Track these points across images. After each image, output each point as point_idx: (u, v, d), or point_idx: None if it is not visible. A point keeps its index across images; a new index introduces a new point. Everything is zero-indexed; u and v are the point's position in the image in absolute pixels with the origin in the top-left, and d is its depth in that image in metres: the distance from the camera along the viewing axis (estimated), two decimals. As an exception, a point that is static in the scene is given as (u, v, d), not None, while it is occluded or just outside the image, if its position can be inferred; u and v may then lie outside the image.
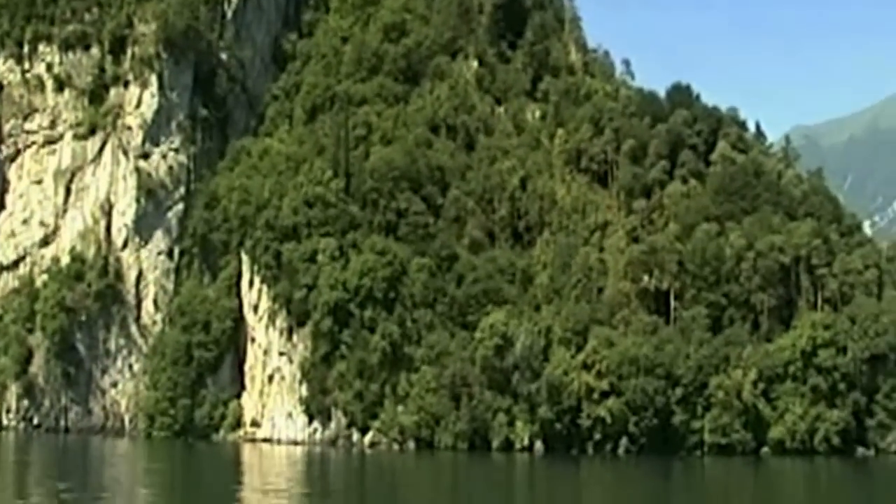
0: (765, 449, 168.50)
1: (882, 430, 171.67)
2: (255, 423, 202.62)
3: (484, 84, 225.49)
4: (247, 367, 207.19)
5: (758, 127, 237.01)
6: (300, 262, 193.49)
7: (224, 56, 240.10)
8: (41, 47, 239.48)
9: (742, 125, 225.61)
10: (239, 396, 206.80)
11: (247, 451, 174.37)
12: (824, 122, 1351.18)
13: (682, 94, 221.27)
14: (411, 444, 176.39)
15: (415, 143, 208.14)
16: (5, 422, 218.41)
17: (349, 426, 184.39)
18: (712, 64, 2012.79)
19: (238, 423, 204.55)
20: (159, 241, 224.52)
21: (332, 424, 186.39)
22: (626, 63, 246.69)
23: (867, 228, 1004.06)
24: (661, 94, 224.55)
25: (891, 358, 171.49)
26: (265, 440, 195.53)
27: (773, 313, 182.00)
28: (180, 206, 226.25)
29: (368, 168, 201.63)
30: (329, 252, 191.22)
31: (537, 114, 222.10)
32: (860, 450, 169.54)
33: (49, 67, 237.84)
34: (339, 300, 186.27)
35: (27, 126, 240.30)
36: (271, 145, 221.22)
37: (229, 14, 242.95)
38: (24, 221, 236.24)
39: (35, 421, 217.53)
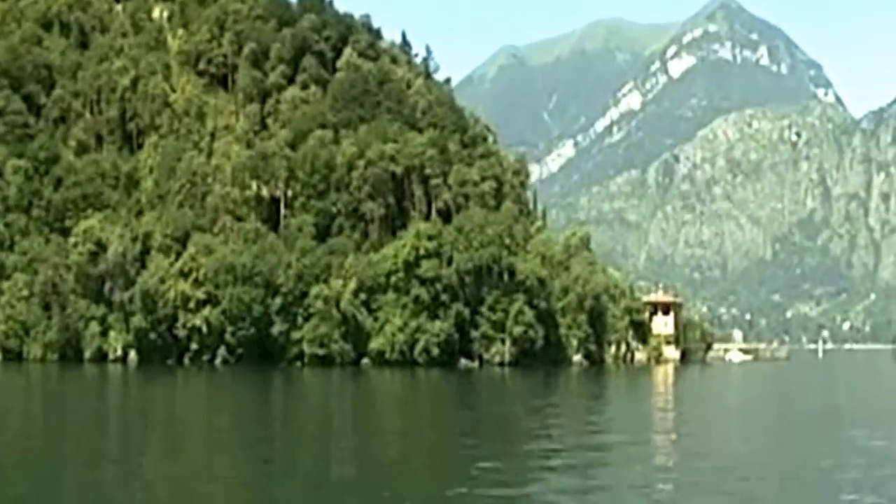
0: (365, 360, 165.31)
1: (486, 342, 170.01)
2: None
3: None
4: None
5: (403, 37, 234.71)
6: None
7: None
8: None
9: (377, 33, 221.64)
10: None
11: None
12: (533, 42, 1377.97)
13: (312, 0, 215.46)
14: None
15: (21, 39, 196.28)
16: None
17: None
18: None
19: None
20: None
21: None
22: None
23: (571, 147, 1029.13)
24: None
25: (495, 270, 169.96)
26: None
27: (384, 223, 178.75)
28: None
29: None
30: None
31: (165, 14, 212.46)
32: (463, 361, 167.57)
33: None
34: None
35: None
36: None
37: None
38: None
39: None
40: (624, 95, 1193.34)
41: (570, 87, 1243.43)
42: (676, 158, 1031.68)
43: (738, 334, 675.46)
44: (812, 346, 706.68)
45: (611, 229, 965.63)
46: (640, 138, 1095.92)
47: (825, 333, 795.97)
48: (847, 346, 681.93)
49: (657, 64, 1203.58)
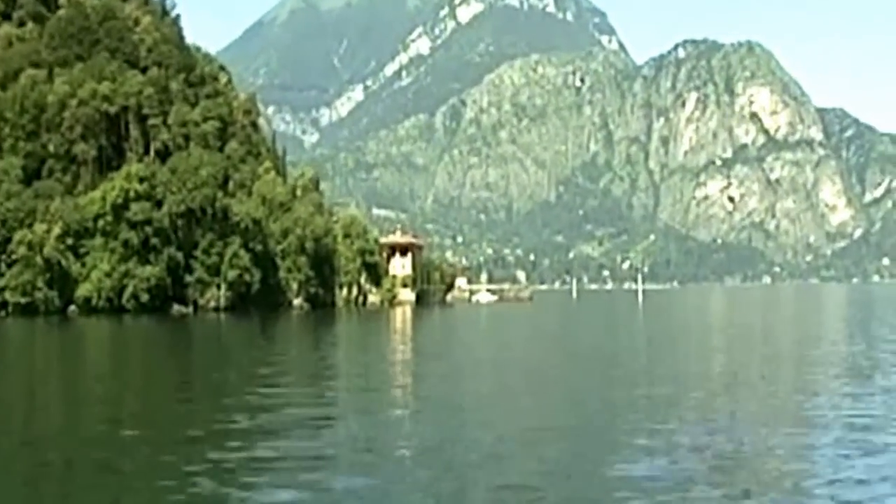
0: (72, 308, 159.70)
1: (200, 287, 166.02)
2: None
3: None
4: None
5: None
6: None
7: None
8: None
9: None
10: None
11: None
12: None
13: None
14: None
15: None
16: None
17: None
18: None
19: None
20: None
21: None
22: None
23: (360, 92, 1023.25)
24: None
25: (209, 212, 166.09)
26: None
27: (98, 165, 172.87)
28: None
29: None
30: None
31: None
32: (176, 307, 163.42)
33: None
34: None
35: None
36: None
37: None
38: None
39: None
40: (413, 40, 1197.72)
41: (361, 32, 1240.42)
42: (463, 103, 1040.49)
43: (521, 275, 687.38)
44: (593, 286, 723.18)
45: (399, 172, 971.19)
46: (428, 83, 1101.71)
47: (606, 273, 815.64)
48: (627, 285, 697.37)
49: (446, 9, 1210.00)
